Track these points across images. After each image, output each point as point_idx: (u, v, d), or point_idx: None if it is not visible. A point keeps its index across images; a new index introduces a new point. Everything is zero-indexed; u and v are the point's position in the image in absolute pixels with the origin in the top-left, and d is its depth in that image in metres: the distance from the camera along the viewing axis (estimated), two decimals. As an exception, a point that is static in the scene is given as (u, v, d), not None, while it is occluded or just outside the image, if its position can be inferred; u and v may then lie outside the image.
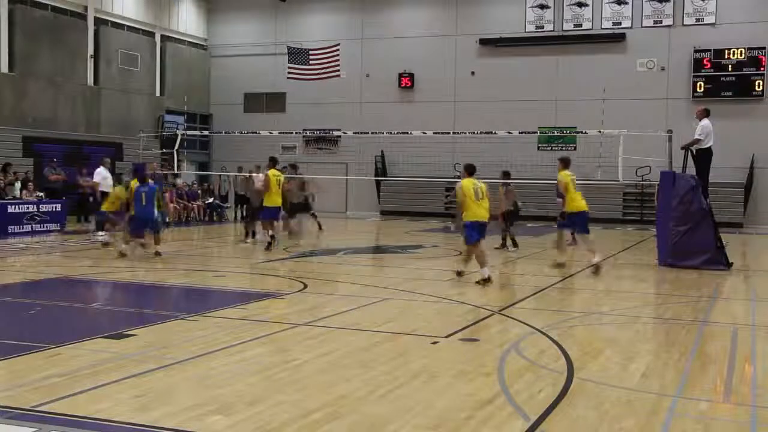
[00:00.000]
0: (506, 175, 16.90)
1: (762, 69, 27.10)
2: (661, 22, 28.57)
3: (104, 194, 19.45)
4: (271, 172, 15.97)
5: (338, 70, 28.46)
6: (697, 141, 14.44)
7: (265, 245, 15.69)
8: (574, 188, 13.26)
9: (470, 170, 12.23)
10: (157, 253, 14.22)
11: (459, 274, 12.02)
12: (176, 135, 22.76)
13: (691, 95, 27.78)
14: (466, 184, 11.83)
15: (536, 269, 14.22)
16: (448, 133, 25.77)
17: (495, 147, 23.41)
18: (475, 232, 11.57)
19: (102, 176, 19.51)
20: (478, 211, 11.67)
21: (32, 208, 19.16)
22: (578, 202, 13.26)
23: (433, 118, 29.23)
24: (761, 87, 27.10)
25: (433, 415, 5.18)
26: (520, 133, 20.83)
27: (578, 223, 13.57)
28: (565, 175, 13.22)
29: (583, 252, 14.10)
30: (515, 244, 16.61)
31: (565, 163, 13.52)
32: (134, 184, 14.79)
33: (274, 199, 15.78)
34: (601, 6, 29.23)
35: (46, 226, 19.25)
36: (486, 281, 11.31)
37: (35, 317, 8.74)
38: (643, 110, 27.31)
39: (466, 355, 6.97)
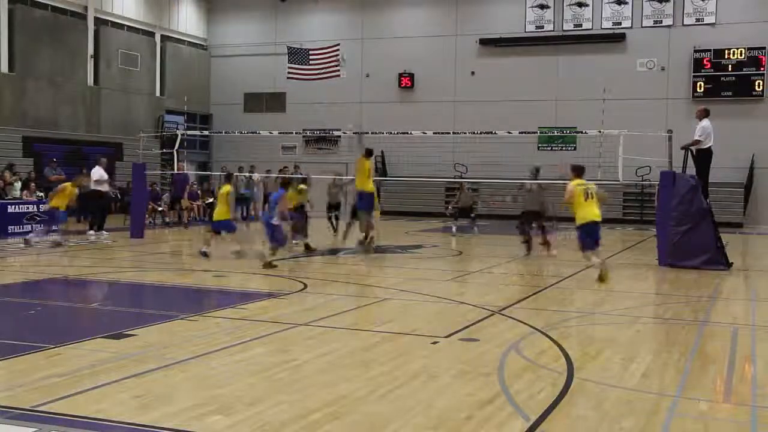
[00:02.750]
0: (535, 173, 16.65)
1: (762, 69, 27.11)
2: (661, 22, 28.59)
3: (98, 193, 19.44)
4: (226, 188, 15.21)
5: (338, 70, 28.43)
6: (697, 142, 14.45)
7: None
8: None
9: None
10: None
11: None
12: (176, 135, 22.74)
13: (691, 95, 27.79)
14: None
15: (536, 269, 14.21)
16: (448, 133, 25.75)
17: (495, 147, 23.42)
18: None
19: (98, 175, 19.50)
20: None
21: (32, 208, 19.14)
22: None
23: (433, 118, 29.24)
24: (761, 87, 27.11)
25: (433, 415, 5.18)
26: (520, 133, 20.79)
27: None
28: None
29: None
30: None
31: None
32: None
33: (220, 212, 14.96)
34: (601, 6, 29.25)
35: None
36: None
37: (35, 317, 8.73)
38: (643, 110, 27.30)
39: (466, 355, 6.96)
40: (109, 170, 28.09)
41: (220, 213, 14.87)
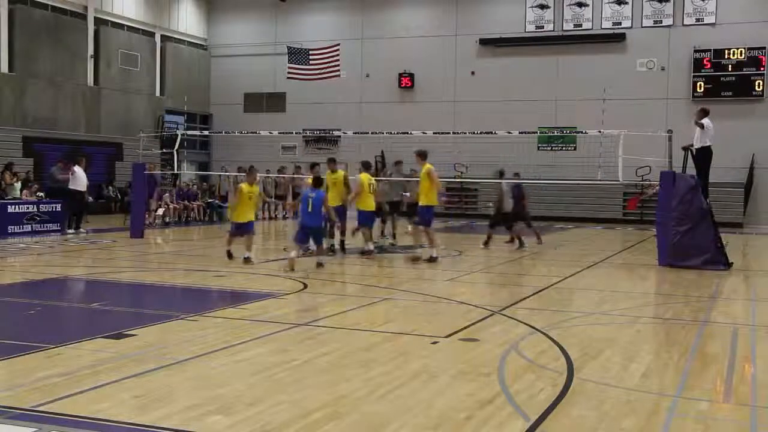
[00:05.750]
0: (501, 174, 17.71)
1: (762, 69, 27.12)
2: (661, 22, 28.59)
3: (73, 192, 19.62)
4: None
5: (338, 70, 28.44)
6: (701, 125, 14.62)
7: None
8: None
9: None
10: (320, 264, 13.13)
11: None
12: (176, 135, 22.72)
13: (691, 95, 27.80)
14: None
15: (536, 269, 14.21)
16: (448, 133, 25.74)
17: (495, 147, 23.40)
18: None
19: (76, 174, 19.75)
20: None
21: (32, 208, 19.15)
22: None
23: (433, 118, 29.23)
24: (761, 87, 27.12)
25: (433, 415, 5.18)
26: (520, 133, 20.79)
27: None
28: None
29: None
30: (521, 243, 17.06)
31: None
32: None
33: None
34: (601, 6, 29.25)
35: (46, 226, 19.23)
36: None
37: (35, 317, 8.73)
38: (643, 110, 27.31)
39: (466, 355, 6.96)
40: (109, 170, 28.36)
41: (367, 205, 15.17)
